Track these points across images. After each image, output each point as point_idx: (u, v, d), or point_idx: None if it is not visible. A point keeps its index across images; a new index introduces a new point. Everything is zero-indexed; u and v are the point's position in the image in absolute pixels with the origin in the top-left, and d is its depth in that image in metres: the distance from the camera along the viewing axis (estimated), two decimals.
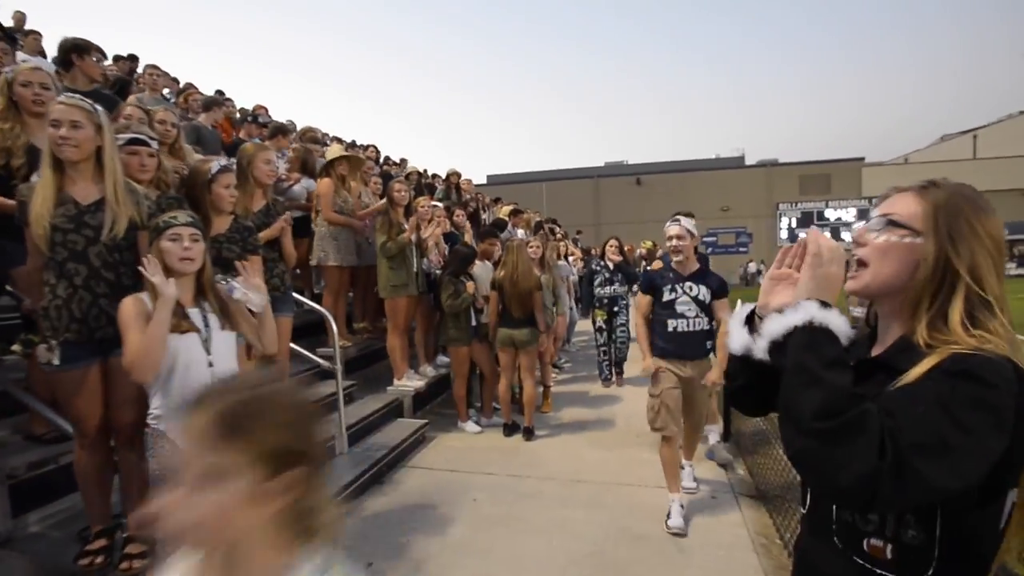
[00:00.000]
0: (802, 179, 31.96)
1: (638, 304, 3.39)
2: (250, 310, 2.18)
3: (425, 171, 8.76)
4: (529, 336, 4.64)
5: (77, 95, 2.17)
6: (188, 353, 2.00)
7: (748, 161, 35.45)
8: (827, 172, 31.82)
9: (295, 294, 4.24)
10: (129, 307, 1.93)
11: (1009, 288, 0.92)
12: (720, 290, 3.25)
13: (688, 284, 3.22)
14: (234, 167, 2.61)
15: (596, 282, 6.26)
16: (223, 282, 2.13)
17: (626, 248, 8.68)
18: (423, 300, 5.08)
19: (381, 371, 5.40)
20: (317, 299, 5.02)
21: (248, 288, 2.14)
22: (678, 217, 3.17)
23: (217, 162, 2.57)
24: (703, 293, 3.23)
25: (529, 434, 4.66)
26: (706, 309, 3.23)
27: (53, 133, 2.01)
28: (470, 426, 4.92)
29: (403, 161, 10.58)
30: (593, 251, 15.73)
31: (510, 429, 4.77)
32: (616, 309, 6.20)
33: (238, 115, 6.97)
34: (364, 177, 5.60)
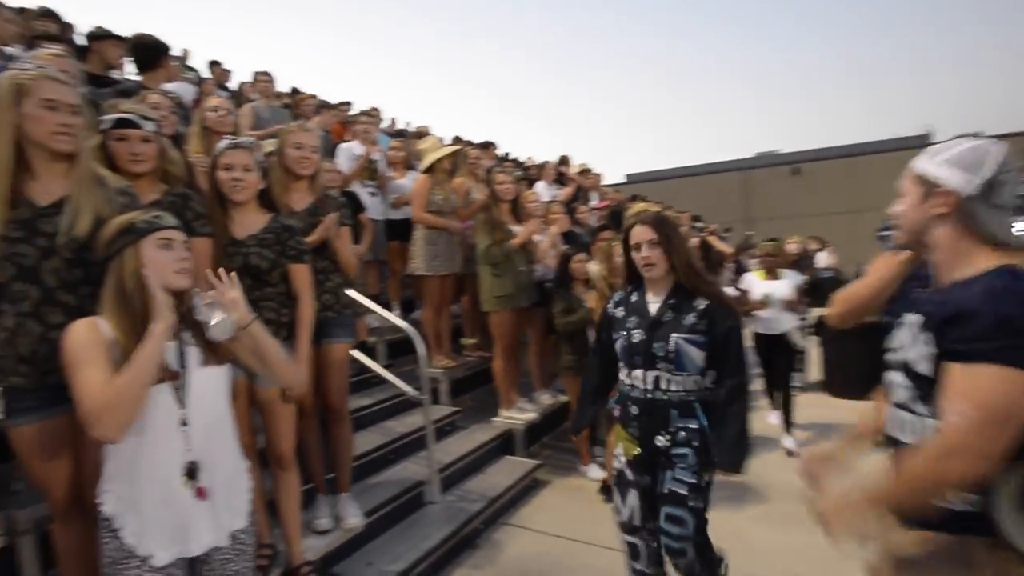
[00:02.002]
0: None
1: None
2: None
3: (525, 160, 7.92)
4: None
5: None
6: (152, 408, 1.38)
7: (939, 139, 29.64)
8: None
9: (378, 308, 3.67)
10: (81, 334, 1.34)
11: None
12: (962, 344, 1.05)
13: (913, 316, 1.19)
14: (247, 144, 2.02)
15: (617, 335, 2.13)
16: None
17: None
18: (536, 313, 4.26)
19: (494, 395, 4.67)
20: None
21: (217, 307, 1.49)
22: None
23: (227, 139, 2.01)
24: (922, 353, 1.14)
25: None
26: (926, 389, 1.14)
27: (49, 116, 1.52)
28: (593, 471, 3.97)
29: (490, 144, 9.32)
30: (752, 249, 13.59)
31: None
32: (667, 442, 2.00)
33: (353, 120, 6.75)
34: (474, 172, 4.91)
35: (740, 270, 10.18)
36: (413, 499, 3.21)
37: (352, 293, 3.03)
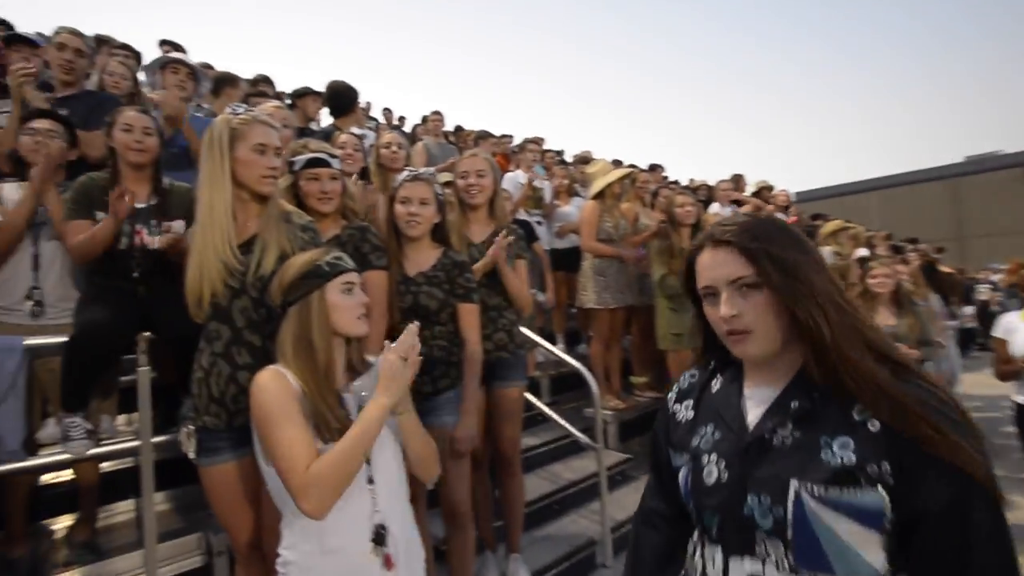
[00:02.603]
0: None
1: None
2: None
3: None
4: None
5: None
6: None
7: None
8: None
9: (546, 343, 3.45)
10: (272, 389, 1.25)
11: None
12: None
13: None
14: (426, 176, 1.93)
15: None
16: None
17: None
18: None
19: None
20: None
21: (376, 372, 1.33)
22: None
23: (408, 170, 1.94)
24: None
25: None
26: None
27: (259, 160, 1.55)
28: None
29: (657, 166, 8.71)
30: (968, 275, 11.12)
31: None
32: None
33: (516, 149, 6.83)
34: (641, 196, 4.58)
35: (968, 299, 8.29)
36: (583, 561, 2.87)
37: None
